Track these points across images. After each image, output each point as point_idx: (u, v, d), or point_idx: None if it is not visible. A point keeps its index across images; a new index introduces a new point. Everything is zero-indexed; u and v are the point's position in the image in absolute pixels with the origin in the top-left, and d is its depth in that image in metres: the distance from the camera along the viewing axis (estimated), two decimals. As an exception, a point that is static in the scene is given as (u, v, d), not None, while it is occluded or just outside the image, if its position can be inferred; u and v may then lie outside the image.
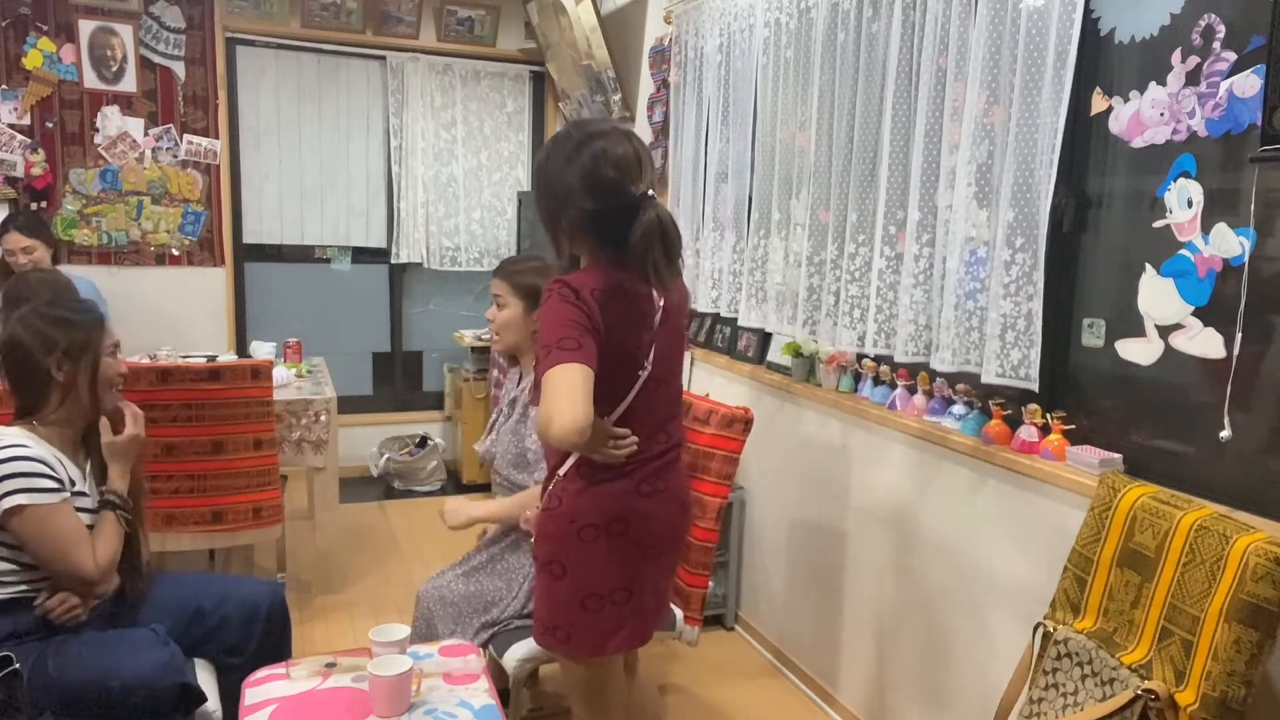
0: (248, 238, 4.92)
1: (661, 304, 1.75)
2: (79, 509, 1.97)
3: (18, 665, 1.72)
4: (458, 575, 2.40)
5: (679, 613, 2.42)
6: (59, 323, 2.00)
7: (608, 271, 1.68)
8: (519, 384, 2.45)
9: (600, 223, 1.68)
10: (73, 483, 1.98)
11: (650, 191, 1.70)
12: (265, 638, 2.16)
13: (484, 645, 2.26)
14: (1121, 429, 2.02)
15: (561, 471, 1.75)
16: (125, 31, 4.47)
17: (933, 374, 2.43)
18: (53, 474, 1.92)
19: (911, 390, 2.55)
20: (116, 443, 2.06)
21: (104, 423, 2.07)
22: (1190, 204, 1.81)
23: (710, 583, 2.48)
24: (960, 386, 2.37)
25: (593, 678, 1.83)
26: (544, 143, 1.78)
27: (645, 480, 1.75)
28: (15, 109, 4.33)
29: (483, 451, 2.50)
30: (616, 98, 4.31)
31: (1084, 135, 2.06)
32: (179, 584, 2.22)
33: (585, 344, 1.57)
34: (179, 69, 4.59)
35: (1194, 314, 1.80)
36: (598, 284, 1.64)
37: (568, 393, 1.51)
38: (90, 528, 1.98)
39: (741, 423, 2.38)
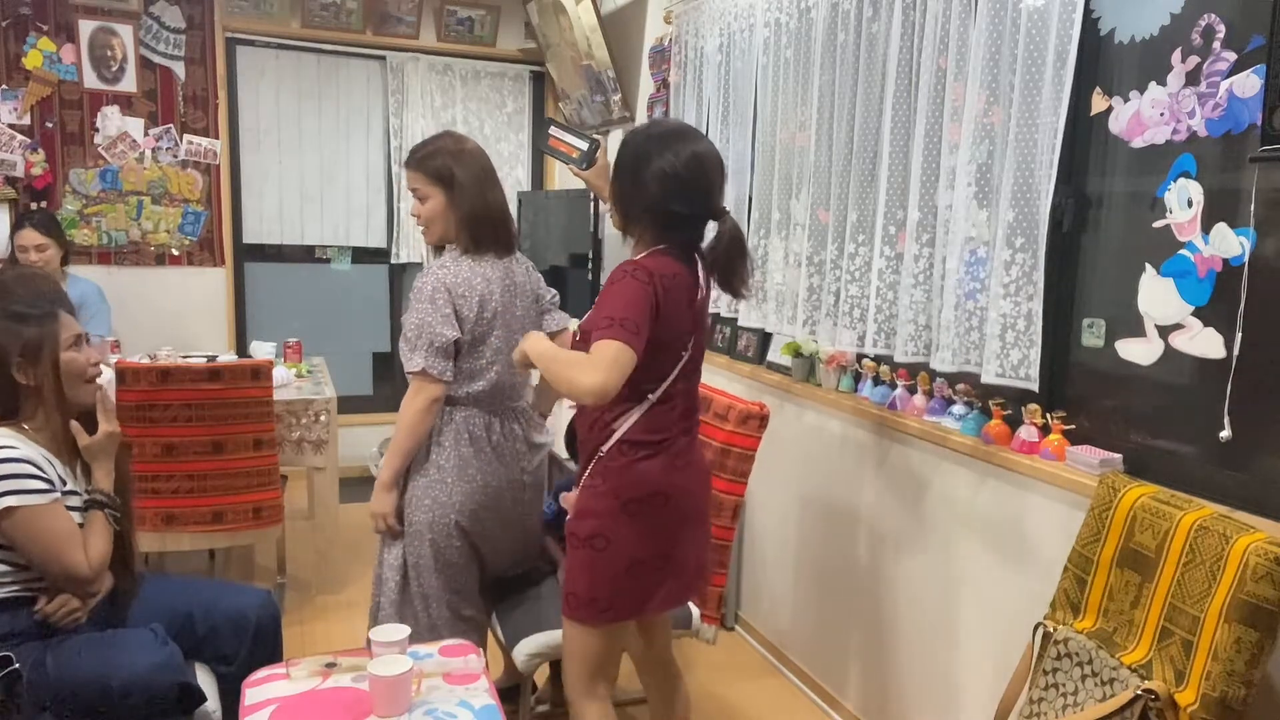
0: (248, 238, 4.92)
1: (700, 296, 1.90)
2: (69, 508, 1.95)
3: (17, 665, 1.72)
4: (390, 600, 2.35)
5: (696, 611, 2.42)
6: (13, 320, 1.95)
7: (673, 261, 1.83)
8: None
9: (680, 209, 1.82)
10: (63, 481, 1.96)
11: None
12: (255, 648, 2.12)
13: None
14: (1121, 429, 2.02)
15: (604, 449, 1.87)
16: (125, 31, 4.47)
17: (933, 374, 2.43)
18: (42, 474, 1.90)
19: (911, 390, 2.55)
20: (93, 443, 2.01)
21: (75, 426, 1.99)
22: (1190, 204, 1.81)
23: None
24: (960, 386, 2.37)
25: (603, 648, 1.94)
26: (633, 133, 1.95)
27: (679, 455, 1.90)
28: (15, 109, 4.32)
29: None
30: (616, 98, 4.31)
31: (1084, 135, 2.06)
32: (169, 587, 2.20)
33: (642, 332, 1.72)
34: (179, 69, 4.59)
35: (1194, 314, 1.80)
36: (666, 269, 1.81)
37: (609, 364, 1.67)
38: (80, 527, 1.96)
39: (757, 419, 2.36)
